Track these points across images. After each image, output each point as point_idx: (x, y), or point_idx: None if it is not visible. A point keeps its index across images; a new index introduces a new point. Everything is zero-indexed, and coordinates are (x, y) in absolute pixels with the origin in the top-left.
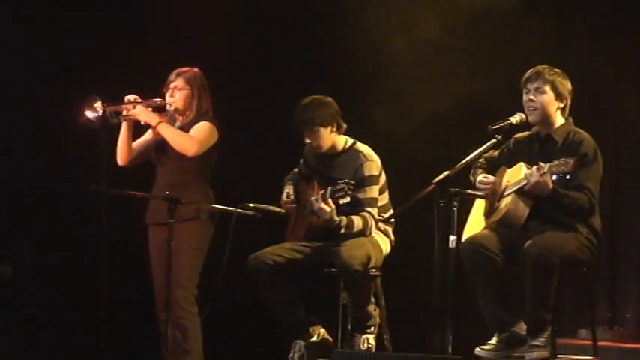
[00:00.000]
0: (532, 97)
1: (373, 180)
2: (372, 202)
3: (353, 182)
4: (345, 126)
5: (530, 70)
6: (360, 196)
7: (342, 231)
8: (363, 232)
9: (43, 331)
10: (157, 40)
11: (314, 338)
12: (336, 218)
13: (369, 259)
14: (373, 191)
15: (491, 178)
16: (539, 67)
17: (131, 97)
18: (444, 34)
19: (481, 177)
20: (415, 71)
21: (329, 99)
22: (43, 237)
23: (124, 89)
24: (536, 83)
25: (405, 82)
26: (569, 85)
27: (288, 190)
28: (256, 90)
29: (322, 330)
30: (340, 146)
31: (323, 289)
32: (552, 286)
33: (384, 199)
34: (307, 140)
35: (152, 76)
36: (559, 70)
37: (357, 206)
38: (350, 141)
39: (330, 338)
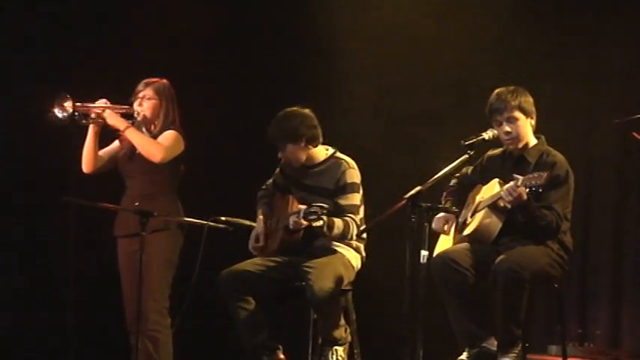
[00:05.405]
0: (508, 129)
1: (355, 187)
2: (354, 208)
3: (327, 206)
4: (320, 139)
5: (493, 99)
6: (342, 202)
7: (324, 230)
8: (344, 236)
9: (9, 344)
10: (127, 50)
11: None
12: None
13: (339, 283)
14: (355, 198)
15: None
16: (501, 95)
17: (101, 101)
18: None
19: (441, 215)
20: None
21: (303, 112)
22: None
23: (92, 95)
24: (506, 113)
25: (378, 90)
26: (531, 99)
27: (259, 230)
28: (224, 100)
29: (281, 356)
30: (320, 156)
31: (294, 303)
32: (523, 301)
33: (360, 213)
34: (280, 155)
35: (120, 85)
36: (517, 88)
37: (337, 213)
38: (330, 150)
39: None
